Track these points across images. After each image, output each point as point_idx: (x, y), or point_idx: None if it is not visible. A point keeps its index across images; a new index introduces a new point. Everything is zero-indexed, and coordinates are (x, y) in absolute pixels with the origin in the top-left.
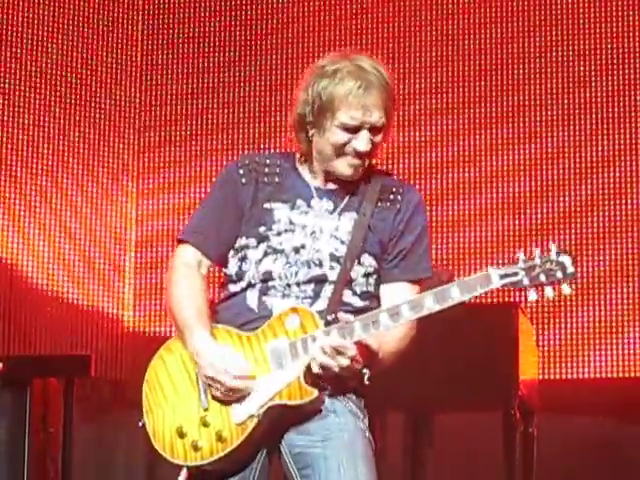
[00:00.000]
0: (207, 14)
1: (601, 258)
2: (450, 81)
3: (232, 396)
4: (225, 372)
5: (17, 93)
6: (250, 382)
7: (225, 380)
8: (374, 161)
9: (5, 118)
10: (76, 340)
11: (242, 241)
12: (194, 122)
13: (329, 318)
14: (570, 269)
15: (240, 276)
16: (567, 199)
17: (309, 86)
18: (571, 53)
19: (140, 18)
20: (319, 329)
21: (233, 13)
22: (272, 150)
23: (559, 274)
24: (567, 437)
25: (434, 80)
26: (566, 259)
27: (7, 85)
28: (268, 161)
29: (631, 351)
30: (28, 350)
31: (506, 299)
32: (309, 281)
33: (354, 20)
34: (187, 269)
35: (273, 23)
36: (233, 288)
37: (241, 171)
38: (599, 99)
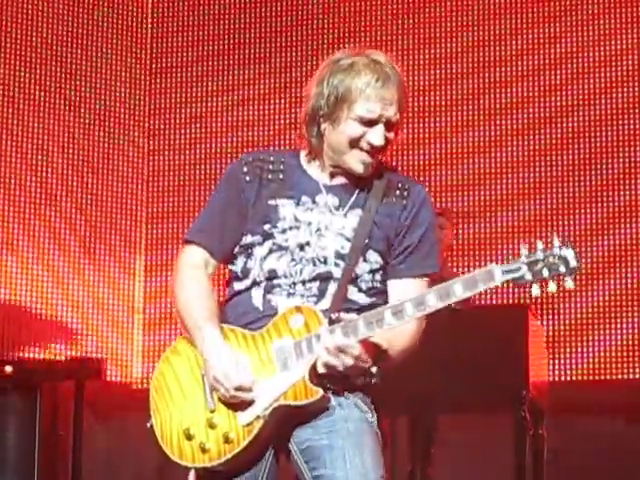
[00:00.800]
0: (213, 18)
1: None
2: (455, 75)
3: (234, 401)
4: (228, 379)
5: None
6: (250, 394)
7: (228, 387)
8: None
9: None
10: (88, 344)
11: (248, 239)
12: (203, 124)
13: (332, 317)
14: (573, 263)
15: (245, 273)
16: (573, 190)
17: (324, 79)
18: (578, 45)
19: (148, 22)
20: (323, 328)
21: (241, 15)
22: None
23: (562, 268)
24: (577, 438)
25: (437, 75)
26: (569, 252)
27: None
28: (272, 158)
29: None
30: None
31: (516, 300)
32: (314, 279)
33: (361, 19)
34: (193, 269)
35: (280, 25)
36: (238, 286)
37: (245, 169)
38: (602, 91)
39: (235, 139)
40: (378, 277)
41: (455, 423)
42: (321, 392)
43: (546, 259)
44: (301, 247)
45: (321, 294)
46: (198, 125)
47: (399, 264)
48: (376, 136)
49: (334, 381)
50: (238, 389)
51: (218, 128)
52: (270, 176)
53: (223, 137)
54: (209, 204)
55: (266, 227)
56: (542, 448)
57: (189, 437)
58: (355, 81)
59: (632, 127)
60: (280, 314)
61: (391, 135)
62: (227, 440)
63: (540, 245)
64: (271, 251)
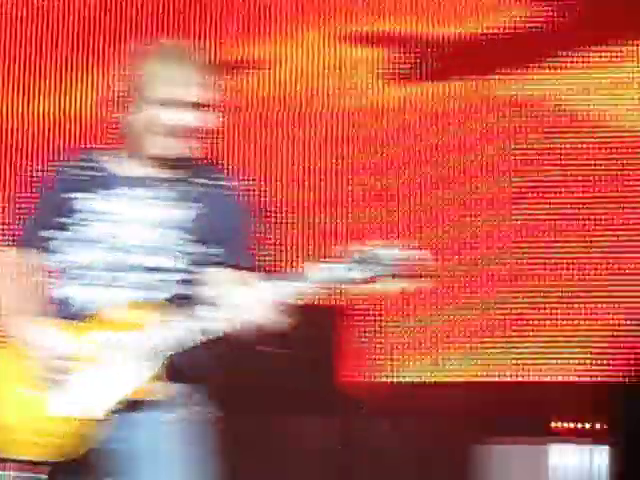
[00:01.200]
0: None
1: None
2: None
3: (52, 377)
4: (42, 348)
5: None
6: (69, 364)
7: (43, 359)
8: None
9: None
10: None
11: (53, 234)
12: None
13: (169, 307)
14: (389, 262)
15: (58, 268)
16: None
17: (125, 72)
18: None
19: None
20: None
21: None
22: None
23: (379, 268)
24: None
25: None
26: (384, 252)
27: None
28: (73, 162)
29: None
30: None
31: (326, 301)
32: (132, 269)
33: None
34: (9, 268)
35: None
36: (55, 281)
37: (54, 175)
38: None
39: None
40: (200, 267)
41: (275, 424)
42: (159, 390)
43: (362, 259)
44: (109, 239)
45: (140, 285)
46: None
47: (216, 254)
48: (178, 118)
49: (175, 380)
50: (55, 357)
51: None
52: (72, 177)
53: None
54: (27, 213)
55: (67, 220)
56: (358, 448)
57: (14, 431)
58: (151, 67)
59: None
60: (107, 308)
61: (195, 117)
62: (60, 436)
63: (357, 246)
64: (76, 244)
